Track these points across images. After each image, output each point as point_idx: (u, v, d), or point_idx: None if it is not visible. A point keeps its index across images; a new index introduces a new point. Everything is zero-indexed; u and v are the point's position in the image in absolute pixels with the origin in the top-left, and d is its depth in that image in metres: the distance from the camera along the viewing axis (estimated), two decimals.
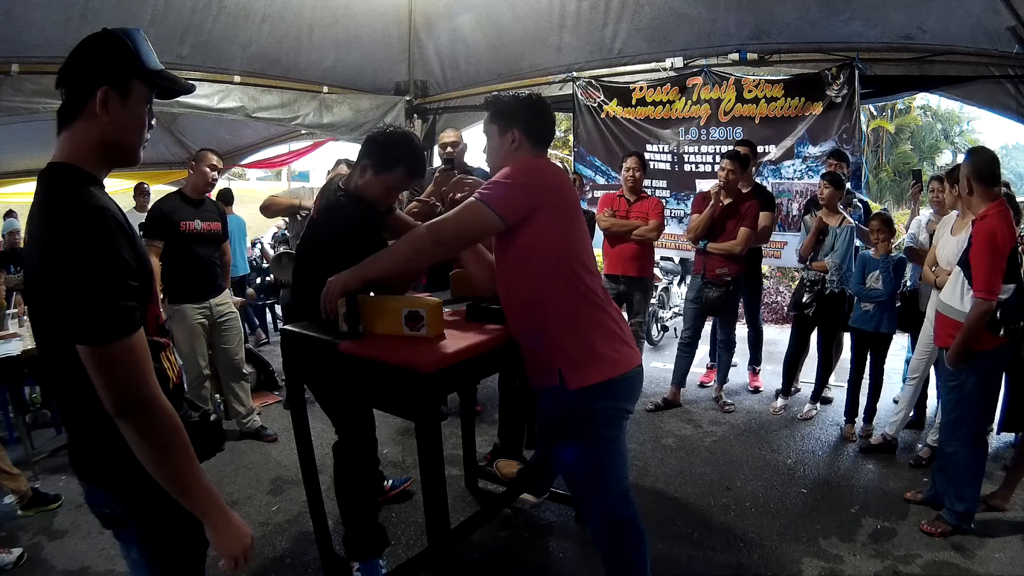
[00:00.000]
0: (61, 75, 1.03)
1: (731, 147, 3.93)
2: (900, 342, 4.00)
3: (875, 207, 4.78)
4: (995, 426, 2.78)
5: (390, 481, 2.69)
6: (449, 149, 3.27)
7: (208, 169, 3.07)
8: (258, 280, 6.18)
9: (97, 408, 0.97)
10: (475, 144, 3.74)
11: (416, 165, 1.89)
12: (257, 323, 6.18)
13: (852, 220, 3.46)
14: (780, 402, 3.76)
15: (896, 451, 3.12)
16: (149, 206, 5.41)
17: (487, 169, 3.41)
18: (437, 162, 3.72)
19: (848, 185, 3.69)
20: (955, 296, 2.31)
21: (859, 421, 3.38)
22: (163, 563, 1.12)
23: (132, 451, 0.99)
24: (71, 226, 0.92)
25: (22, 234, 6.15)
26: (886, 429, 3.16)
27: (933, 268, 2.88)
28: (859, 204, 3.72)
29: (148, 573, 1.13)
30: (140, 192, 5.49)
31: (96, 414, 0.98)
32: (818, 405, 3.67)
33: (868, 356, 3.33)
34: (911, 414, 3.32)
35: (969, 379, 2.27)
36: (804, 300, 3.51)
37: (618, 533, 1.68)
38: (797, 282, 3.76)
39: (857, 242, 3.52)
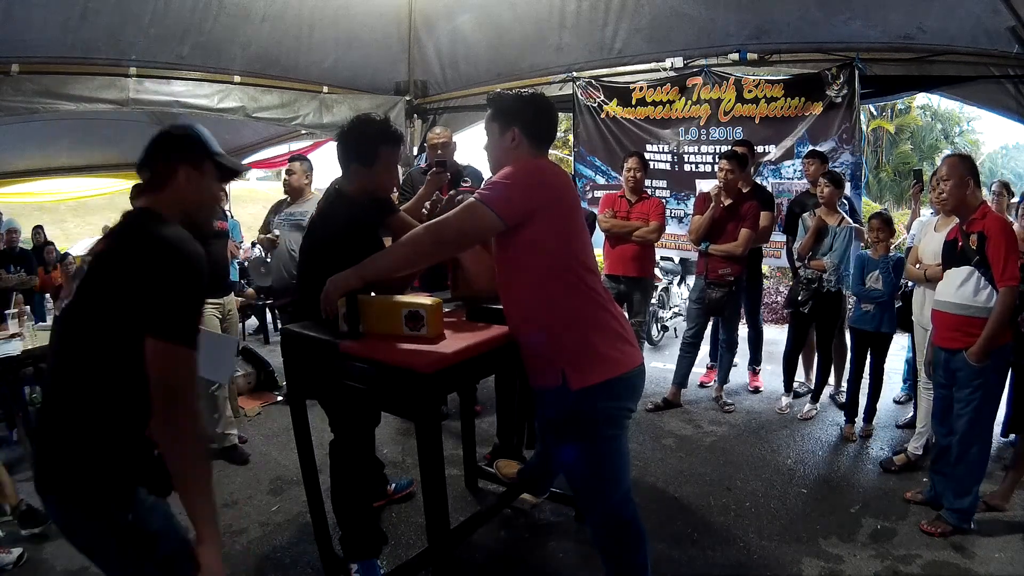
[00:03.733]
0: (143, 163, 1.27)
1: (730, 147, 3.93)
2: (900, 342, 4.00)
3: (875, 207, 4.78)
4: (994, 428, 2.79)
5: (393, 485, 2.69)
6: (440, 152, 3.26)
7: None
8: None
9: (106, 419, 1.10)
10: (465, 143, 3.74)
11: (388, 134, 1.95)
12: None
13: (851, 220, 3.47)
14: (785, 401, 3.76)
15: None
16: None
17: (477, 168, 3.43)
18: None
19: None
20: (964, 294, 2.32)
21: (858, 421, 3.38)
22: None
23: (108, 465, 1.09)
24: (180, 254, 1.12)
25: (20, 234, 6.15)
26: (910, 448, 2.98)
27: (917, 265, 2.93)
28: (844, 201, 3.74)
29: None
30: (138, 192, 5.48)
31: (101, 424, 1.09)
32: (818, 405, 3.67)
33: (868, 356, 3.33)
34: (910, 414, 3.33)
35: (990, 377, 2.30)
36: (800, 298, 3.51)
37: (619, 533, 1.68)
38: (794, 279, 3.75)
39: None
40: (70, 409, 1.12)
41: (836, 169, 3.90)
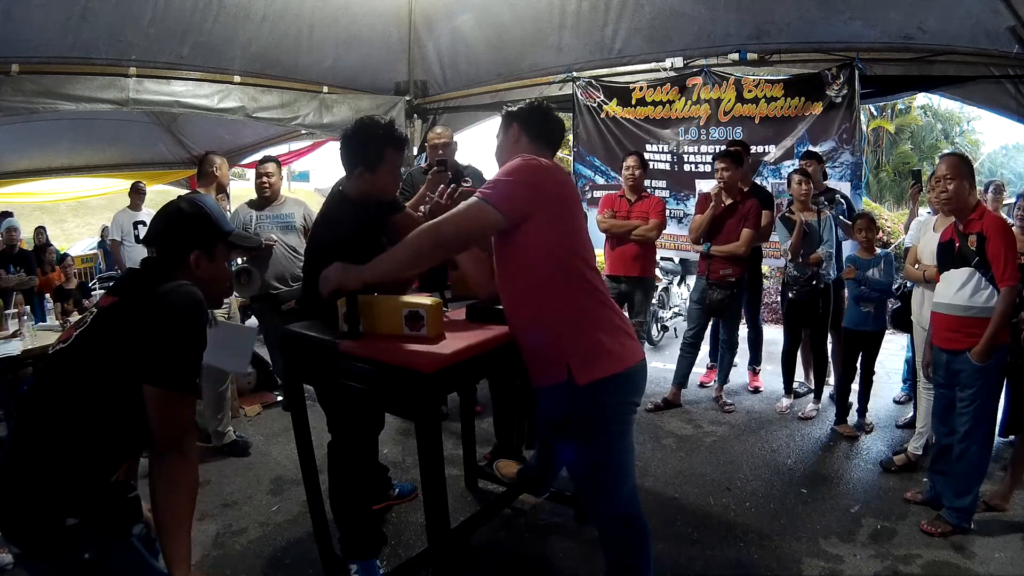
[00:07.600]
0: (150, 238, 1.34)
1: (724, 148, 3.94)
2: (900, 342, 4.00)
3: (875, 207, 4.78)
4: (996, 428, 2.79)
5: (397, 490, 2.68)
6: (440, 152, 3.25)
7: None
8: None
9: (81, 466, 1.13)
10: (465, 143, 3.73)
11: (394, 137, 1.95)
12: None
13: (828, 212, 3.51)
14: (785, 402, 3.76)
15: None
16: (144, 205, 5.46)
17: (477, 168, 3.44)
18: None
19: (830, 183, 3.81)
20: (964, 295, 2.32)
21: (852, 419, 3.40)
22: None
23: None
24: (183, 309, 1.19)
25: (21, 233, 6.15)
26: (910, 448, 2.98)
27: (916, 265, 2.94)
28: (841, 200, 3.75)
29: None
30: (136, 191, 5.49)
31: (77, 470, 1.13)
32: (819, 405, 3.67)
33: (859, 356, 3.34)
34: (910, 414, 3.33)
35: (991, 376, 2.30)
36: (800, 298, 3.51)
37: (623, 529, 1.68)
38: (783, 282, 3.75)
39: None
40: (39, 451, 1.14)
41: (836, 169, 3.91)
